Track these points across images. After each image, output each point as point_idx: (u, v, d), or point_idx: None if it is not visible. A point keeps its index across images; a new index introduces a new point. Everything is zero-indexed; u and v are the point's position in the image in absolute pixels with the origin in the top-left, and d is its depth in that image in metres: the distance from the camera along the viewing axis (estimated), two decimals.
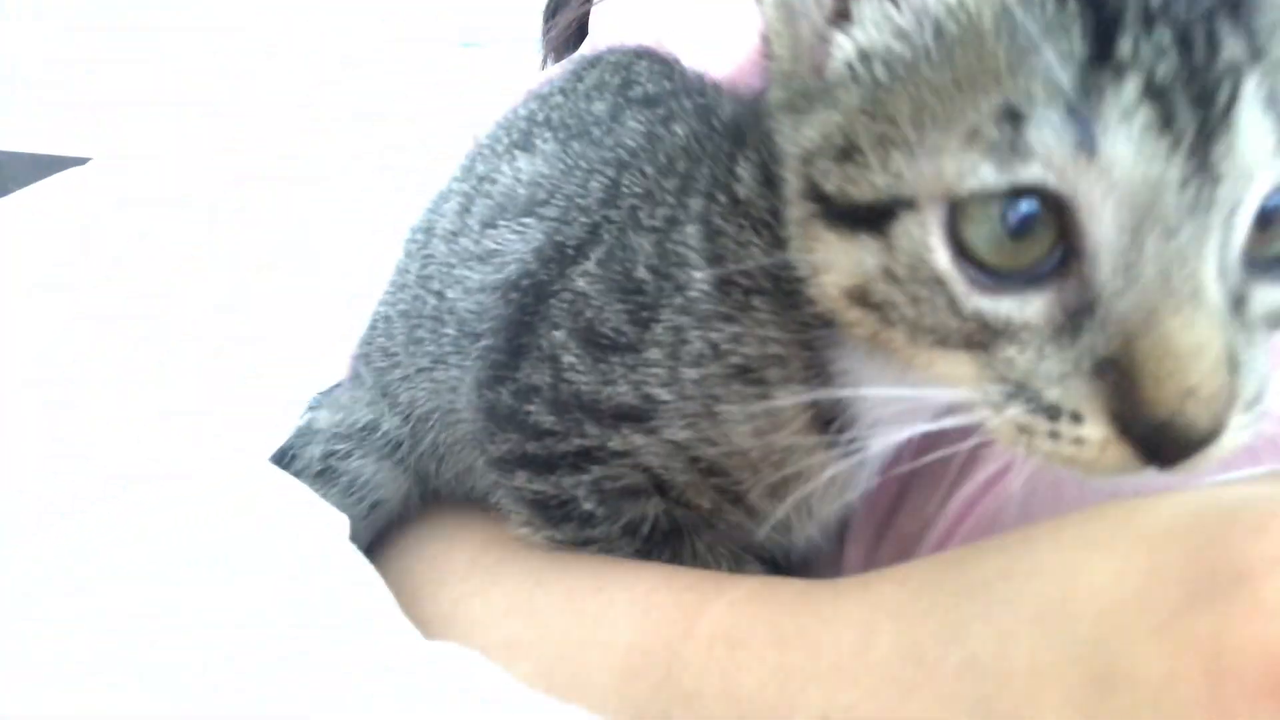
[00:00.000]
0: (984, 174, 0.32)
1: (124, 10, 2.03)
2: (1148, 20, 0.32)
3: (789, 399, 0.44)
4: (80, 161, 1.77)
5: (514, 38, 1.16)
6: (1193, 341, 0.32)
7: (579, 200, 0.52)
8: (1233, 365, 0.32)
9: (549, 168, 0.56)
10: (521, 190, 0.56)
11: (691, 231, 0.47)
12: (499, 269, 0.55)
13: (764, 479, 0.47)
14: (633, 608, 0.48)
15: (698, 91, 0.58)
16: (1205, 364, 0.31)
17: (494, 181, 0.58)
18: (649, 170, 0.51)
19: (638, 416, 0.47)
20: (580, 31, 0.91)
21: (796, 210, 0.39)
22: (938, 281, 0.34)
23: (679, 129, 0.52)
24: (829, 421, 0.45)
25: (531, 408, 0.50)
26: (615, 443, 0.48)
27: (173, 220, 1.17)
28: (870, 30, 0.37)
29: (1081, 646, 0.32)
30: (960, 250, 0.33)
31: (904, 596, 0.40)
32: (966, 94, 0.33)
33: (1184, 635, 0.30)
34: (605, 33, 0.81)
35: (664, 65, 0.63)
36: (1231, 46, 0.32)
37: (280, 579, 0.48)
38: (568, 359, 0.49)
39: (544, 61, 1.02)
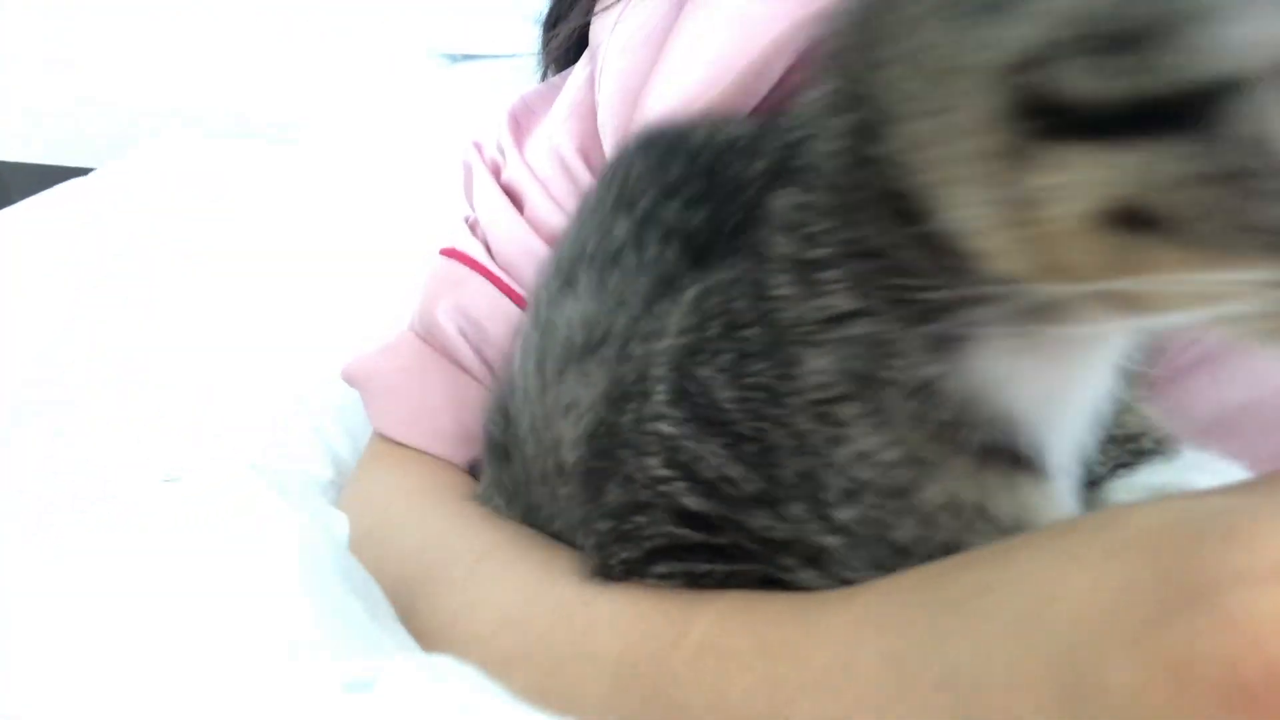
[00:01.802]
0: None
1: (127, 21, 2.04)
2: None
3: (952, 484, 0.39)
4: (83, 172, 1.78)
5: (504, 51, 1.17)
6: None
7: (629, 336, 0.50)
8: None
9: (595, 304, 0.53)
10: (577, 336, 0.53)
11: (761, 368, 0.42)
12: (577, 422, 0.52)
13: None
14: (620, 620, 0.48)
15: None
16: None
17: (555, 328, 0.56)
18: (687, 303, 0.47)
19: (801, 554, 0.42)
20: (580, 42, 0.92)
21: (974, 143, 0.32)
22: None
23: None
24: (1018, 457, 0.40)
25: (642, 519, 0.46)
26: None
27: (173, 222, 1.17)
28: None
29: (1055, 659, 0.32)
30: None
31: (888, 608, 0.40)
32: None
33: (1153, 648, 0.30)
34: (605, 44, 0.82)
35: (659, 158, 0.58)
36: None
37: (275, 585, 0.48)
38: (678, 485, 0.44)
39: (544, 73, 1.03)
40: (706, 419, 0.43)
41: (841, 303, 0.39)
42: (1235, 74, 0.28)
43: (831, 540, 0.41)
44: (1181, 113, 0.28)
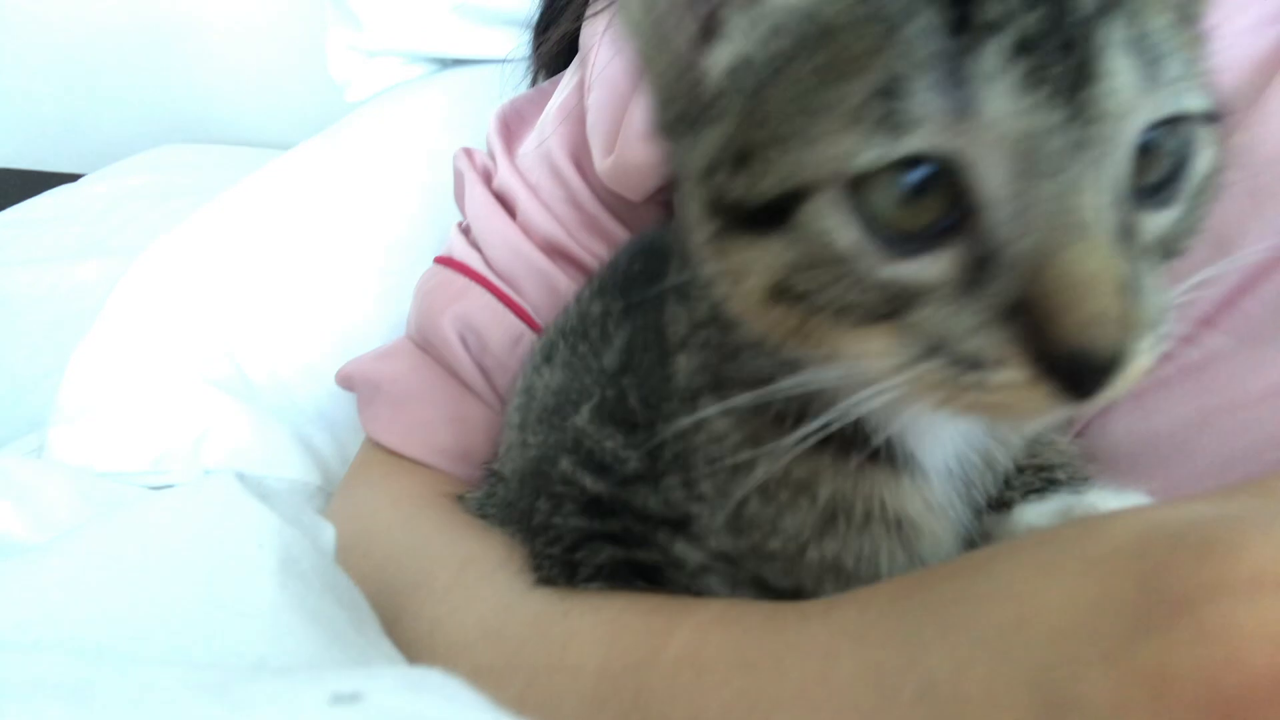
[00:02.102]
0: (873, 149, 0.33)
1: (116, 28, 2.03)
2: None
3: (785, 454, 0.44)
4: (72, 178, 1.78)
5: (493, 56, 1.17)
6: (1090, 270, 0.33)
7: (587, 388, 0.56)
8: (1131, 290, 0.34)
9: (564, 374, 0.59)
10: (551, 400, 0.59)
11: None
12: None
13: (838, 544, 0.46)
14: (599, 632, 0.48)
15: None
16: (1104, 290, 0.33)
17: (534, 395, 0.62)
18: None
19: (675, 524, 0.48)
20: (571, 47, 0.92)
21: (704, 230, 0.40)
22: (849, 257, 0.35)
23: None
24: (854, 443, 0.44)
25: (558, 518, 0.52)
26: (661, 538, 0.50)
27: (161, 229, 1.17)
28: (740, 39, 0.38)
29: (1033, 672, 0.32)
30: (865, 222, 0.35)
31: (866, 620, 0.40)
32: (843, 78, 0.35)
33: (1131, 662, 0.30)
34: (595, 50, 0.81)
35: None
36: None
37: (260, 598, 0.47)
38: (586, 480, 0.51)
39: (534, 78, 1.02)
40: (614, 417, 0.51)
41: (702, 311, 0.46)
42: (801, 183, 0.35)
43: (696, 508, 0.47)
44: (781, 214, 0.36)
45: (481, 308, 0.79)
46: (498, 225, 0.82)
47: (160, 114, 2.07)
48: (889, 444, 0.44)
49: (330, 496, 0.84)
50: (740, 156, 0.37)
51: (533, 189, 0.83)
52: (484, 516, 0.66)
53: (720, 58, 0.39)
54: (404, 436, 0.78)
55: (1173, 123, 0.35)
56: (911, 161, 0.34)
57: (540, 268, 0.80)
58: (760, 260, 0.38)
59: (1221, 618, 0.28)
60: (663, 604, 0.48)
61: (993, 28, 0.33)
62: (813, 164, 0.35)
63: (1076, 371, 0.33)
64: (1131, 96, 0.34)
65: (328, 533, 0.56)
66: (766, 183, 0.36)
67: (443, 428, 0.77)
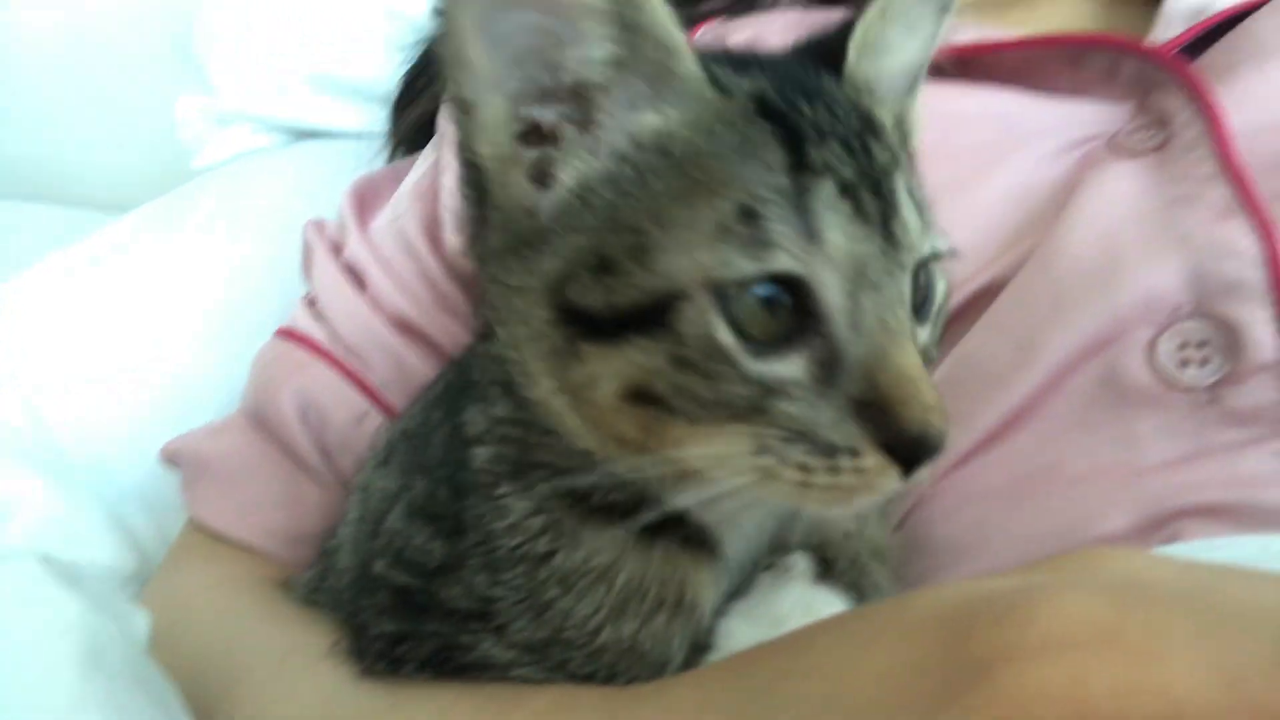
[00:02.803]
0: (741, 264, 0.39)
1: None
2: (821, 135, 0.41)
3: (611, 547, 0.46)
4: None
5: (349, 129, 1.16)
6: (915, 366, 0.40)
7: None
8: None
9: (396, 480, 0.59)
10: (385, 505, 0.58)
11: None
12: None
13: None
14: None
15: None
16: (928, 383, 0.40)
17: (370, 494, 0.61)
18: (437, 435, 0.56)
19: (480, 616, 0.48)
20: (429, 126, 0.92)
21: (544, 344, 0.43)
22: (724, 355, 0.39)
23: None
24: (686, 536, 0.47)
25: (380, 620, 0.51)
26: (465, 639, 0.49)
27: None
28: (586, 160, 0.42)
29: None
30: (732, 324, 0.39)
31: (698, 700, 0.41)
32: (703, 198, 0.40)
33: None
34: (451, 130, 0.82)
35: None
36: (880, 154, 0.42)
37: (58, 692, 0.44)
38: (397, 578, 0.51)
39: (391, 154, 1.02)
40: (424, 511, 0.52)
41: (500, 410, 0.48)
42: (674, 289, 0.39)
43: (499, 592, 0.47)
44: (650, 317, 0.40)
45: (325, 383, 0.77)
46: (346, 298, 0.81)
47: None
48: (701, 531, 0.47)
49: (147, 582, 0.78)
50: (601, 265, 0.41)
51: (385, 263, 0.82)
52: (313, 603, 0.63)
53: (566, 179, 0.42)
54: (231, 518, 0.74)
55: (926, 259, 0.43)
56: (768, 278, 0.39)
57: (389, 344, 0.79)
58: (619, 364, 0.41)
59: (1014, 680, 0.30)
60: (495, 693, 0.47)
61: (823, 170, 0.40)
62: (682, 271, 0.39)
63: (916, 454, 0.39)
64: (917, 232, 0.42)
65: (140, 621, 0.53)
66: (631, 290, 0.40)
67: (274, 508, 0.74)
